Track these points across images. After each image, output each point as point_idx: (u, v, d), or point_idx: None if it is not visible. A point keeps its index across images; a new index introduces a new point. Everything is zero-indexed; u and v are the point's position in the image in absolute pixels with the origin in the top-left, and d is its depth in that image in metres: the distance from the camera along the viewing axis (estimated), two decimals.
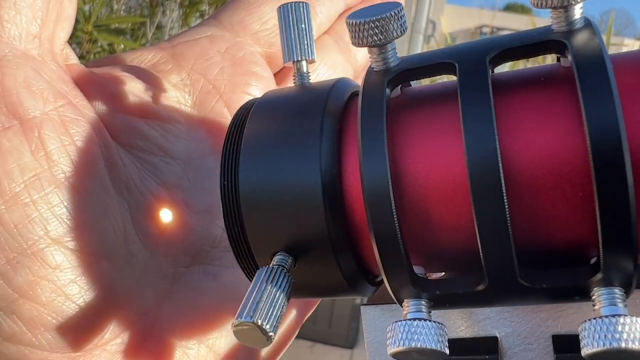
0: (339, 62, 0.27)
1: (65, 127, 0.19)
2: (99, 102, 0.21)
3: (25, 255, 0.17)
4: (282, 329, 0.24)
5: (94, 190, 0.19)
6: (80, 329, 0.18)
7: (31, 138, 0.18)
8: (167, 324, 0.21)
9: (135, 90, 0.22)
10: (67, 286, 0.18)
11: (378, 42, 0.16)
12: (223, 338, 0.22)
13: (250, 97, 0.24)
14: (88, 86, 0.21)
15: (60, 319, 0.18)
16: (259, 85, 0.25)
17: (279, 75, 0.27)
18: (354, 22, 0.16)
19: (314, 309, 0.26)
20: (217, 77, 0.24)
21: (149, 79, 0.22)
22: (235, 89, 0.24)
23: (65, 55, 0.21)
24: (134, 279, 0.20)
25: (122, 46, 1.39)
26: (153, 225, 0.21)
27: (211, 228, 0.22)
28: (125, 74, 0.22)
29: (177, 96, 0.23)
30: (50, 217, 0.17)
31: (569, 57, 0.14)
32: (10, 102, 0.18)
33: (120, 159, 0.20)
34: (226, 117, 0.24)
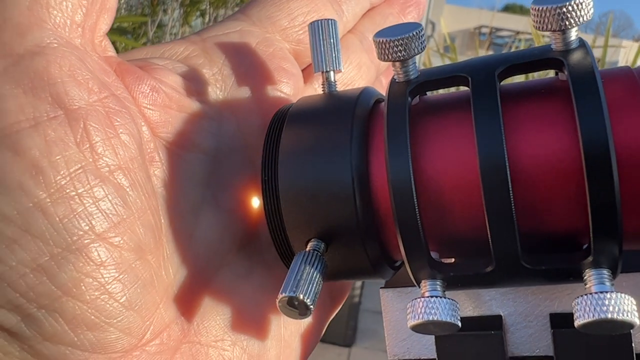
0: (364, 61, 0.27)
1: (110, 119, 0.18)
2: (139, 94, 0.20)
3: (70, 251, 0.16)
4: (308, 330, 0.24)
5: (136, 185, 0.18)
6: (121, 329, 0.18)
7: (76, 129, 0.17)
8: (204, 324, 0.20)
9: (172, 83, 0.21)
10: (110, 284, 0.17)
11: (401, 57, 0.18)
12: (255, 340, 0.22)
13: (281, 94, 0.24)
14: (127, 79, 0.20)
15: (103, 318, 0.17)
16: (289, 81, 0.24)
17: (306, 71, 0.26)
18: (381, 40, 0.18)
19: (341, 304, 0.26)
20: (248, 73, 0.23)
21: (183, 72, 0.22)
22: (266, 84, 0.24)
23: (103, 46, 0.20)
24: (171, 278, 0.20)
25: (124, 45, 1.41)
26: (186, 223, 0.21)
27: (240, 226, 0.22)
28: (161, 67, 0.22)
29: (209, 91, 0.22)
30: (95, 211, 0.17)
31: (566, 73, 0.17)
32: (56, 91, 0.17)
33: (158, 154, 0.20)
34: (257, 113, 0.23)
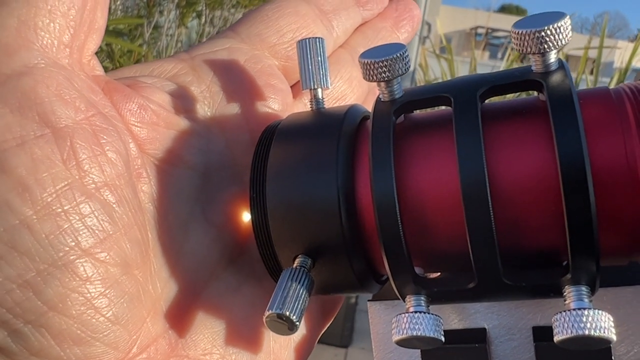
0: (355, 75, 0.28)
1: (97, 137, 0.18)
2: (126, 112, 0.20)
3: (56, 267, 0.17)
4: (303, 339, 0.24)
5: (123, 201, 0.18)
6: (108, 343, 0.18)
7: (63, 147, 0.17)
8: (192, 337, 0.21)
9: (159, 101, 0.21)
10: (96, 299, 0.17)
11: (385, 78, 0.19)
12: (245, 353, 0.22)
13: (269, 110, 0.24)
14: (114, 97, 0.20)
15: (89, 332, 0.17)
16: (278, 97, 0.25)
17: (295, 87, 0.27)
18: (366, 62, 0.19)
19: (332, 318, 0.26)
20: (237, 90, 0.24)
21: (171, 90, 0.22)
22: (254, 101, 0.24)
23: (92, 66, 0.21)
24: (159, 293, 0.20)
25: (120, 47, 1.41)
26: (175, 238, 0.21)
27: (228, 241, 0.22)
28: (149, 85, 0.22)
29: (197, 108, 0.23)
30: (82, 227, 0.17)
31: (545, 94, 0.17)
32: (43, 110, 0.17)
33: (146, 170, 0.20)
34: (245, 129, 0.23)
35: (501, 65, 2.33)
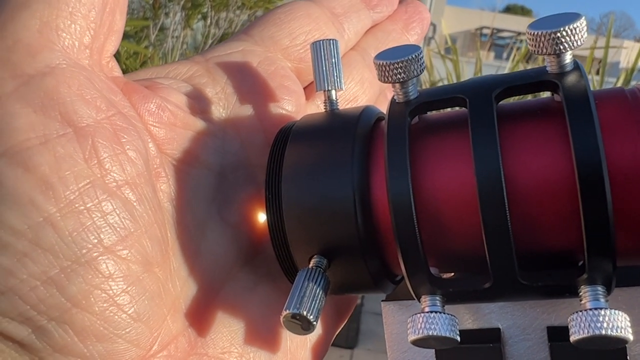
0: (366, 77, 0.28)
1: (117, 136, 0.19)
2: (145, 113, 0.21)
3: (79, 264, 0.17)
4: (319, 339, 0.24)
5: (143, 199, 0.19)
6: (130, 340, 0.18)
7: (85, 146, 0.18)
8: (211, 336, 0.21)
9: (177, 102, 0.22)
10: (118, 296, 0.18)
11: (401, 79, 0.19)
12: (263, 351, 0.22)
13: (283, 111, 0.25)
14: (133, 97, 0.21)
15: (111, 329, 0.17)
16: (291, 99, 0.25)
17: (307, 88, 0.27)
18: (381, 63, 0.19)
19: (347, 318, 0.26)
20: (251, 91, 0.24)
21: (187, 91, 0.23)
22: (268, 102, 0.24)
23: (110, 67, 0.21)
24: (178, 291, 0.20)
25: (126, 49, 1.41)
26: (193, 237, 0.21)
27: (244, 241, 0.22)
28: (166, 86, 0.22)
29: (212, 109, 0.23)
30: (104, 225, 0.17)
31: (561, 95, 0.17)
32: (65, 110, 0.18)
33: (164, 170, 0.21)
34: (259, 130, 0.24)
35: (506, 66, 2.33)
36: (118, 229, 0.18)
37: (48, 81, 0.18)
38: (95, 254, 0.17)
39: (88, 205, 0.17)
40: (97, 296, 0.17)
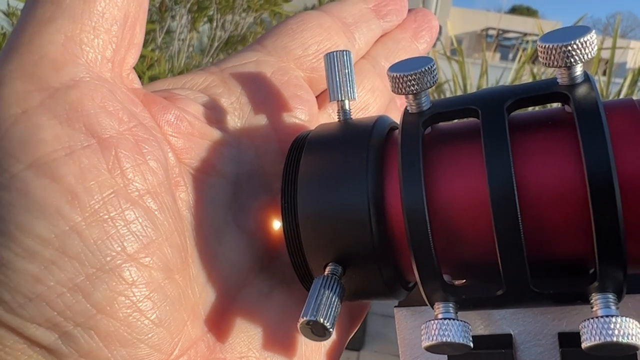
0: (377, 86, 0.28)
1: (139, 146, 0.19)
2: (164, 123, 0.21)
3: (104, 271, 0.17)
4: (333, 344, 0.25)
5: (164, 208, 0.19)
6: (152, 345, 0.18)
7: (108, 156, 0.18)
8: (229, 341, 0.21)
9: (194, 112, 0.22)
10: (141, 302, 0.18)
11: (414, 91, 0.19)
12: (279, 356, 0.22)
13: (296, 120, 0.25)
14: (153, 108, 0.21)
15: (134, 334, 0.18)
16: (304, 108, 0.25)
17: (320, 98, 0.27)
18: (395, 75, 0.19)
19: (360, 324, 0.27)
20: (265, 101, 0.25)
21: (203, 101, 0.23)
22: (282, 111, 0.25)
23: (130, 79, 0.22)
24: (197, 297, 0.21)
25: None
26: (210, 244, 0.22)
27: (260, 248, 0.23)
28: (184, 97, 0.23)
29: (228, 119, 0.24)
30: (127, 233, 0.18)
31: (572, 107, 0.18)
32: (89, 122, 0.18)
33: (183, 179, 0.21)
34: (274, 139, 0.24)
35: (512, 67, 2.33)
36: (140, 237, 0.18)
37: (73, 94, 0.18)
38: (119, 262, 0.18)
39: (112, 214, 0.18)
40: (121, 302, 0.18)
